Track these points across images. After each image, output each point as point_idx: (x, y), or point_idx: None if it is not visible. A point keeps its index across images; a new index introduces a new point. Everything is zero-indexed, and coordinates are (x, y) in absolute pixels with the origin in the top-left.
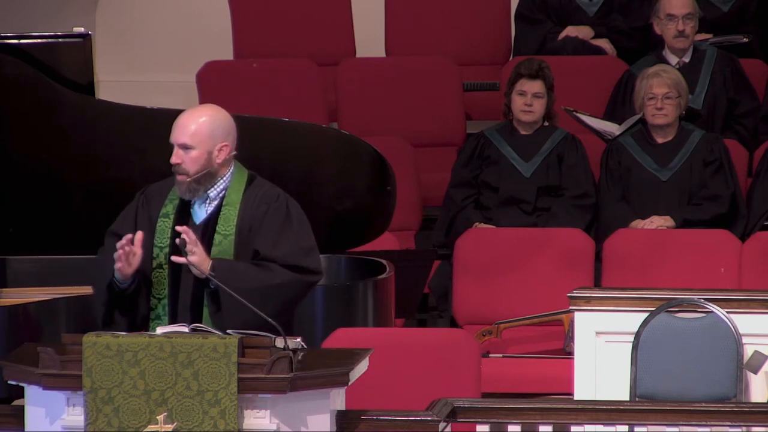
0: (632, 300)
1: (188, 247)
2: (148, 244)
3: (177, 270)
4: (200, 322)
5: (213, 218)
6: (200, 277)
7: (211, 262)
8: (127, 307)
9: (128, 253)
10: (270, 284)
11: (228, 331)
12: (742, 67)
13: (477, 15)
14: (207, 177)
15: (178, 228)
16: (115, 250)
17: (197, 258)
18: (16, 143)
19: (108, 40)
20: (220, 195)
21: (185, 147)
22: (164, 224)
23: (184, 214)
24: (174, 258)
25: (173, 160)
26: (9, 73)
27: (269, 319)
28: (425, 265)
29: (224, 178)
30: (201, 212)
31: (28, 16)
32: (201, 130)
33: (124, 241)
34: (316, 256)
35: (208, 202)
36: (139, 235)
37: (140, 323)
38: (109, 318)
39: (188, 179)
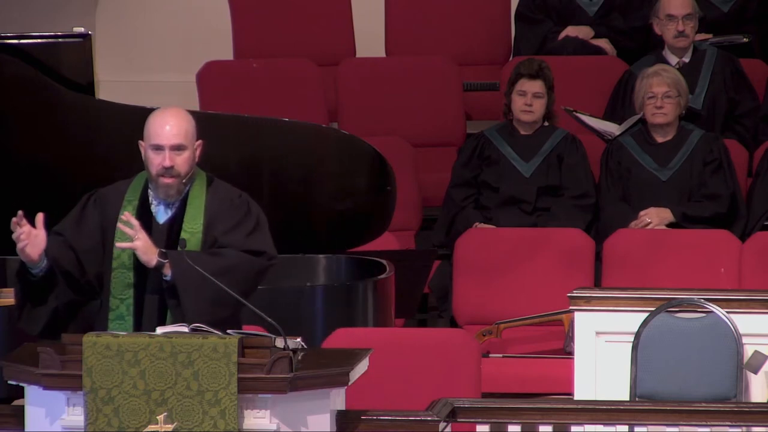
0: (632, 300)
1: (130, 232)
2: (96, 245)
3: (141, 270)
4: (165, 322)
5: (177, 217)
6: (148, 265)
7: (157, 250)
8: (40, 295)
9: (29, 234)
10: (223, 266)
11: (228, 331)
12: (742, 67)
13: (477, 15)
14: (191, 176)
15: (123, 216)
16: (55, 248)
17: (141, 243)
18: (16, 143)
19: (108, 40)
20: (182, 195)
21: (179, 148)
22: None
23: (145, 215)
24: (118, 244)
25: (167, 163)
26: (9, 73)
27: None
28: (425, 265)
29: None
30: (163, 212)
31: (28, 16)
32: (189, 130)
33: (16, 219)
34: (269, 243)
35: (170, 201)
36: (40, 216)
37: (62, 315)
38: (23, 307)
39: (181, 180)
